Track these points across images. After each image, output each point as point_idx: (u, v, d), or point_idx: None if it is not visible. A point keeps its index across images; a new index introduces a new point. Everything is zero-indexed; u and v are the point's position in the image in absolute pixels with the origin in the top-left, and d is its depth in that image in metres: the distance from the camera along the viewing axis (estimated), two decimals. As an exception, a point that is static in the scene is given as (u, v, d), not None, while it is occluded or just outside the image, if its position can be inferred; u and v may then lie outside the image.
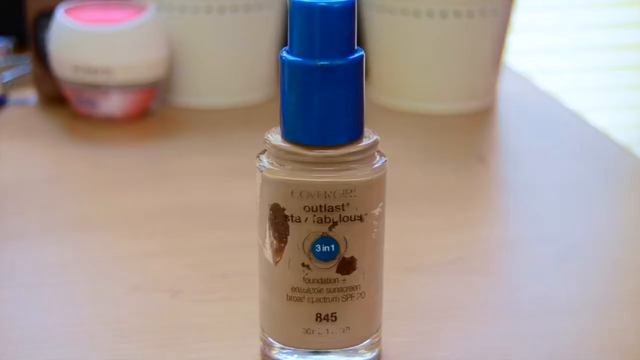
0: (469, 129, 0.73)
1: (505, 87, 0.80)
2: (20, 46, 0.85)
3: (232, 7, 0.75)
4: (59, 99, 0.75)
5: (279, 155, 0.38)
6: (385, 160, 0.39)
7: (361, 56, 0.38)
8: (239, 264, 0.50)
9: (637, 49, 1.88)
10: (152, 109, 0.75)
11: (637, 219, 0.58)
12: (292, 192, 0.38)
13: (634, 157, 0.66)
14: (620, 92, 1.86)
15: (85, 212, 0.57)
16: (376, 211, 0.38)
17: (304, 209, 0.38)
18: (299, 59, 0.37)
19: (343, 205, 0.38)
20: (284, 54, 0.38)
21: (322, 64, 0.37)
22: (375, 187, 0.38)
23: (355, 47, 0.38)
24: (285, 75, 0.38)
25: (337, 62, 0.37)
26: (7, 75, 0.79)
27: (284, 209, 0.38)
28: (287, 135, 0.38)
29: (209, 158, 0.66)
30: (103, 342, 0.43)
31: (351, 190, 0.38)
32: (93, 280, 0.48)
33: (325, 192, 0.37)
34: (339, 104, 0.37)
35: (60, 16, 0.71)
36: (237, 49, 0.76)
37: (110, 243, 0.53)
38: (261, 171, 0.38)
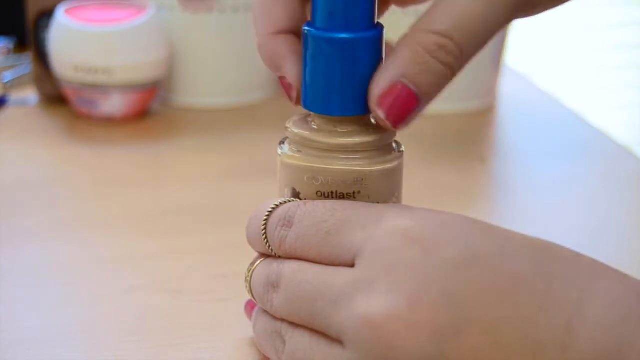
0: (469, 129, 0.73)
1: (505, 87, 0.80)
2: (20, 46, 0.85)
3: (233, 7, 0.75)
4: (59, 99, 0.75)
5: (297, 142, 0.39)
6: (402, 152, 0.39)
7: (381, 31, 0.38)
8: (239, 264, 0.50)
9: (637, 48, 1.88)
10: (152, 109, 0.75)
11: (637, 219, 0.58)
12: (306, 178, 0.38)
13: (634, 157, 0.66)
14: (620, 92, 1.86)
15: (85, 212, 0.57)
16: (390, 202, 0.39)
17: (317, 194, 0.38)
18: (319, 32, 0.37)
19: (354, 192, 0.38)
20: (306, 27, 0.38)
21: (342, 37, 0.37)
22: (387, 178, 0.38)
23: (376, 22, 0.38)
24: (308, 47, 0.38)
25: (358, 35, 0.37)
26: (7, 75, 0.79)
27: (299, 193, 0.39)
28: (307, 105, 0.38)
29: (209, 158, 0.66)
30: (103, 342, 0.43)
31: (362, 179, 0.38)
32: (93, 280, 0.48)
33: (338, 179, 0.38)
34: (359, 76, 0.37)
35: (61, 16, 0.71)
36: (237, 49, 0.76)
37: (110, 243, 0.53)
38: (280, 156, 0.40)
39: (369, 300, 0.33)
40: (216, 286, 0.48)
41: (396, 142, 0.39)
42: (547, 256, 0.34)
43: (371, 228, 0.35)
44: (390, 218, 0.35)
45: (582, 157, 0.68)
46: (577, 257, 0.34)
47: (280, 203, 0.39)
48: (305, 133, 0.39)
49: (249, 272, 0.40)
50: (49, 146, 0.68)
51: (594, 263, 0.34)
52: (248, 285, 0.40)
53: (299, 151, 0.39)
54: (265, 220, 0.39)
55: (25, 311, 0.45)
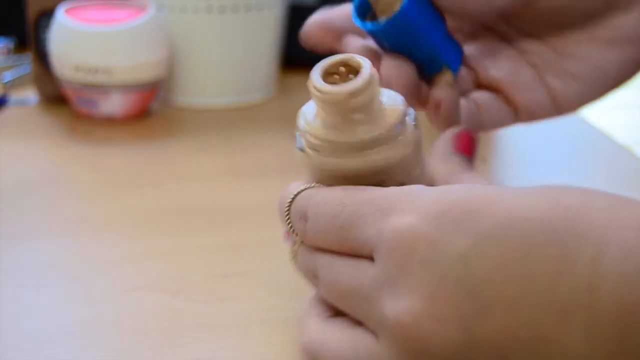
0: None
1: (506, 87, 0.80)
2: (20, 46, 0.85)
3: (233, 6, 0.75)
4: (59, 99, 0.75)
5: (313, 142, 0.38)
6: (417, 128, 0.39)
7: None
8: (239, 264, 0.50)
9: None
10: (152, 109, 0.75)
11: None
12: (326, 176, 0.39)
13: (634, 157, 0.66)
14: (620, 92, 1.86)
15: (85, 212, 0.57)
16: (415, 173, 0.39)
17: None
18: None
19: (379, 182, 0.38)
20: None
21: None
22: (408, 161, 0.38)
23: None
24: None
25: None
26: (8, 75, 0.79)
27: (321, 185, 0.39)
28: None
29: (209, 158, 0.66)
30: (103, 342, 0.43)
31: (384, 170, 0.38)
32: (93, 280, 0.48)
33: (359, 175, 0.38)
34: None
35: (61, 16, 0.71)
36: (237, 49, 0.76)
37: (110, 243, 0.53)
38: (298, 153, 0.39)
39: (394, 302, 0.34)
40: (216, 286, 0.48)
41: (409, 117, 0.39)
42: (556, 215, 0.33)
43: (380, 224, 0.35)
44: (397, 213, 0.35)
45: (582, 157, 0.67)
46: (586, 204, 0.33)
47: (298, 192, 0.39)
48: (320, 132, 0.38)
49: (295, 245, 0.40)
50: (49, 146, 0.68)
51: (605, 207, 0.33)
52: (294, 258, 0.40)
53: (316, 151, 0.38)
54: (287, 212, 0.39)
55: (25, 311, 0.45)
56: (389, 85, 0.42)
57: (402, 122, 0.38)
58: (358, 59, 0.37)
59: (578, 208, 0.33)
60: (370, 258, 0.36)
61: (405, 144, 0.38)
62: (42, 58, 0.75)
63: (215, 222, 0.56)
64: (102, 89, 0.71)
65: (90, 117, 0.72)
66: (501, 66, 0.47)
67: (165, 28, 0.74)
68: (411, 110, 0.39)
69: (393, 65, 0.44)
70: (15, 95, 0.77)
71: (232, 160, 0.65)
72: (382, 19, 0.43)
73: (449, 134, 0.44)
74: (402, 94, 0.40)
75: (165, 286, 0.47)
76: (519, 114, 0.48)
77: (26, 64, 0.80)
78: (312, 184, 0.39)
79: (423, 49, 0.44)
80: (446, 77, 0.45)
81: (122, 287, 0.47)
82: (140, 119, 0.73)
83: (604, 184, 0.63)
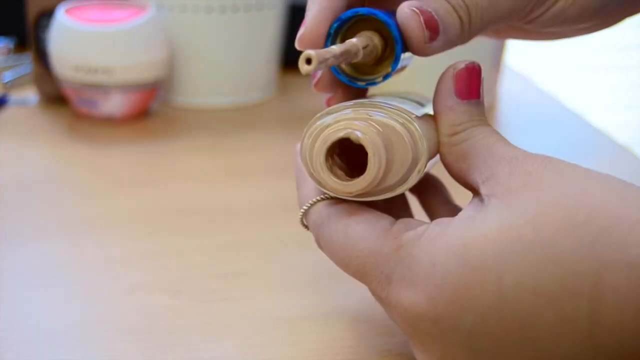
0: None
1: (505, 87, 0.80)
2: (20, 46, 0.85)
3: (233, 7, 0.75)
4: (59, 98, 0.75)
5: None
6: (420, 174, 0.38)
7: None
8: (239, 264, 0.50)
9: (637, 48, 1.88)
10: (152, 109, 0.75)
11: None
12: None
13: (634, 157, 0.66)
14: (620, 92, 1.86)
15: (85, 212, 0.57)
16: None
17: None
18: None
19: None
20: None
21: None
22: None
23: None
24: None
25: None
26: (8, 75, 0.79)
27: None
28: None
29: (208, 158, 0.66)
30: (103, 342, 0.43)
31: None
32: (93, 280, 0.48)
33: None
34: None
35: (61, 16, 0.71)
36: (237, 49, 0.77)
37: (110, 243, 0.53)
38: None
39: (415, 351, 0.37)
40: (216, 286, 0.48)
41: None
42: (547, 275, 0.33)
43: (387, 289, 0.36)
44: (397, 282, 0.36)
45: (582, 157, 0.67)
46: (575, 256, 0.33)
47: (311, 205, 0.39)
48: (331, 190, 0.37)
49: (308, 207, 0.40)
50: (49, 146, 0.68)
51: (593, 253, 0.32)
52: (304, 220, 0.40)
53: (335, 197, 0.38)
54: (302, 217, 0.40)
55: (26, 311, 0.45)
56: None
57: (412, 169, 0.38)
58: (360, 137, 0.36)
59: (568, 265, 0.33)
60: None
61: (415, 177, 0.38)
62: (42, 58, 0.75)
63: (215, 222, 0.56)
64: (102, 89, 0.71)
65: (90, 117, 0.72)
66: None
67: (165, 28, 0.74)
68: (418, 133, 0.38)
69: None
70: (15, 95, 0.77)
71: (232, 160, 0.65)
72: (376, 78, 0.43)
73: (450, 73, 0.41)
74: None
75: (165, 286, 0.47)
76: None
77: (26, 64, 0.80)
78: (323, 196, 0.39)
79: None
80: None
81: (122, 287, 0.47)
82: (140, 119, 0.73)
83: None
